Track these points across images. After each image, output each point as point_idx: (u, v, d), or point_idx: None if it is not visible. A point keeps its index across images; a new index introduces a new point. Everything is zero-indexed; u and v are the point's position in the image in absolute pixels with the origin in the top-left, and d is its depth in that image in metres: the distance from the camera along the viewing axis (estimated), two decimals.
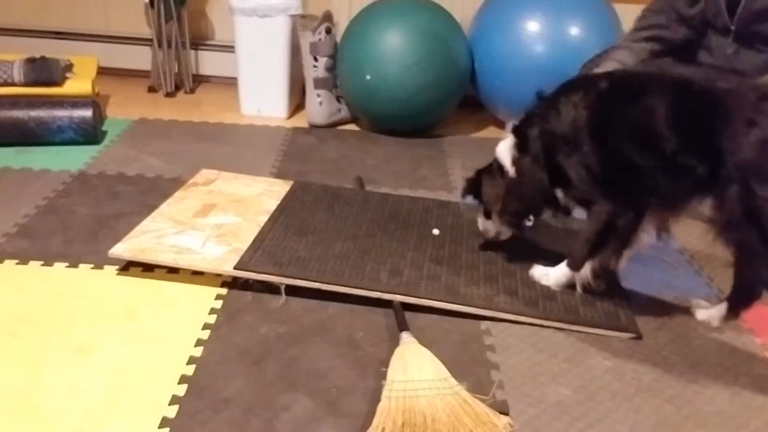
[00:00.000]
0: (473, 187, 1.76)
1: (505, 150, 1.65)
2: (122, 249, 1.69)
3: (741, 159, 1.32)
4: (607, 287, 1.67)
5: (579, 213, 1.69)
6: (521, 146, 1.62)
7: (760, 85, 1.37)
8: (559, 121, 1.53)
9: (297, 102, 3.06)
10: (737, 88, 1.37)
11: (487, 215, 1.75)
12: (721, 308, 1.59)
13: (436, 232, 1.87)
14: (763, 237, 1.34)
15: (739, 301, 1.56)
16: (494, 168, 1.70)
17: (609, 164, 1.48)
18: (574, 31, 2.60)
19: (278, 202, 2.01)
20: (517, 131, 1.64)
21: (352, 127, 2.94)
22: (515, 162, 1.63)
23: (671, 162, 1.40)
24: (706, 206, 1.41)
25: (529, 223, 1.73)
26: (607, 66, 1.91)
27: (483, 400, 1.29)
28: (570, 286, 1.66)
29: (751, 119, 1.31)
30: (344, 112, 2.94)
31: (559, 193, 1.60)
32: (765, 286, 1.44)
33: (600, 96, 1.50)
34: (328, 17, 2.83)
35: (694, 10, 1.96)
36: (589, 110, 1.49)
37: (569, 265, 1.65)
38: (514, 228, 1.73)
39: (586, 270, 1.61)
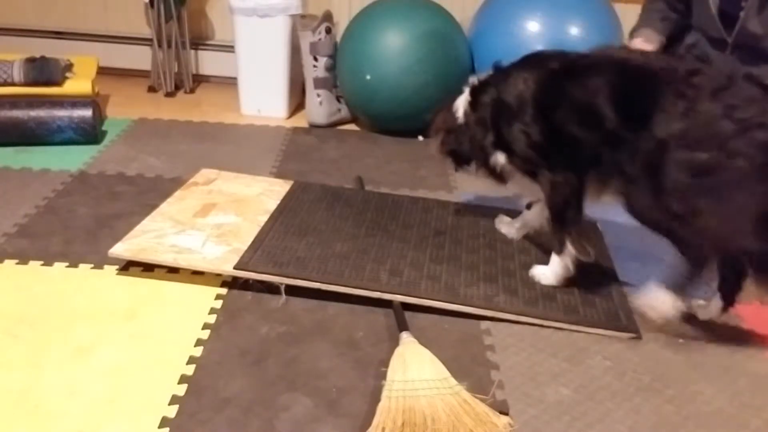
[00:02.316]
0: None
1: (461, 102, 1.80)
2: (122, 249, 1.69)
3: (669, 127, 1.41)
4: (607, 288, 1.67)
5: (514, 185, 1.79)
6: (473, 105, 1.76)
7: (689, 62, 1.49)
8: (507, 92, 1.66)
9: (297, 102, 3.06)
10: (669, 65, 1.49)
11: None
12: (717, 302, 1.59)
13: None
14: (654, 189, 1.43)
15: (730, 288, 1.57)
16: (451, 109, 1.83)
17: (550, 136, 1.59)
18: (574, 31, 2.60)
19: (278, 202, 2.01)
20: (472, 92, 1.77)
21: (352, 127, 2.94)
22: (466, 115, 1.78)
23: (611, 135, 1.49)
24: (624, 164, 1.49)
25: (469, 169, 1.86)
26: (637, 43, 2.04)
27: (483, 400, 1.29)
28: (569, 284, 1.66)
29: (679, 91, 1.41)
30: (344, 112, 2.94)
31: (502, 158, 1.70)
32: (639, 220, 1.51)
33: (550, 74, 1.61)
34: (328, 17, 2.83)
35: (680, 5, 2.03)
36: (537, 85, 1.61)
37: (556, 251, 1.67)
38: (453, 162, 1.89)
39: (570, 248, 1.64)
